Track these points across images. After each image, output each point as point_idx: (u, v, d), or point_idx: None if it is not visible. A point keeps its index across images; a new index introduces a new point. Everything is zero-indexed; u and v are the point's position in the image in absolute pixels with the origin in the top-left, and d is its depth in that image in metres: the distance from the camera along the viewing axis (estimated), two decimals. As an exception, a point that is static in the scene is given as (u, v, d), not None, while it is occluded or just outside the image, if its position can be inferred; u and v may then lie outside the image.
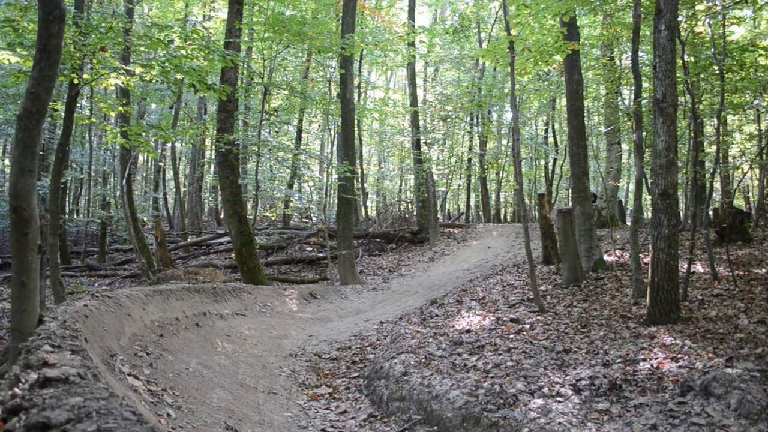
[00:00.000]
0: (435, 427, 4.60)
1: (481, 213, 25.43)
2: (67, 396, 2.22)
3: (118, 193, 19.54)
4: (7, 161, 25.03)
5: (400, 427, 4.76)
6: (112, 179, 23.39)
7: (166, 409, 4.06)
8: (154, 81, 9.76)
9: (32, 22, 7.38)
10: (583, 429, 4.01)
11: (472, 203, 28.74)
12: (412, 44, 20.79)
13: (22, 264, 3.55)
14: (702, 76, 10.40)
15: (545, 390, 4.72)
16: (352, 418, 5.09)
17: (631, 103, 11.03)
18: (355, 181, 15.80)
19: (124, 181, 14.88)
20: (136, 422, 1.97)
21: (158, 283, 11.15)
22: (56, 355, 2.75)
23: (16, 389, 2.33)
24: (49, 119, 16.95)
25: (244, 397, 5.04)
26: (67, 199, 21.74)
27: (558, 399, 4.54)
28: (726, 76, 9.20)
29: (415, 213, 20.42)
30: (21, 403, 2.19)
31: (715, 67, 9.19)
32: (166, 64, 8.99)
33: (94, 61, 8.87)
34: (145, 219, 22.89)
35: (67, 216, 20.13)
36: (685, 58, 8.66)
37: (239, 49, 12.73)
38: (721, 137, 10.85)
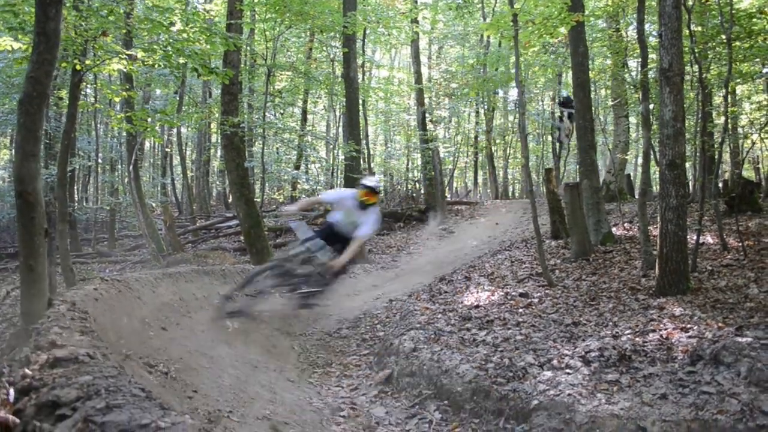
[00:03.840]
0: (445, 402, 4.62)
1: (488, 190, 25.35)
2: (76, 375, 2.24)
3: (126, 179, 19.59)
4: (14, 152, 25.03)
5: (411, 402, 4.79)
6: (119, 166, 23.42)
7: (180, 389, 4.09)
8: (156, 65, 9.75)
9: (32, 7, 7.35)
10: (593, 400, 4.02)
11: (480, 180, 28.64)
12: (415, 21, 20.58)
13: (30, 248, 3.58)
14: (709, 44, 10.25)
15: (554, 362, 4.73)
16: (363, 394, 5.12)
17: (638, 76, 10.90)
18: (361, 161, 15.77)
19: (131, 168, 14.90)
20: (145, 398, 1.99)
21: (168, 268, 11.21)
22: (65, 336, 2.78)
23: (26, 370, 2.35)
24: (55, 107, 16.96)
25: (255, 377, 5.08)
26: (76, 187, 21.79)
27: (567, 371, 4.55)
28: (734, 44, 9.05)
29: (422, 191, 20.38)
30: (31, 383, 2.22)
31: (723, 36, 9.04)
32: (168, 47, 8.96)
33: (96, 46, 8.85)
34: (153, 204, 22.94)
35: (76, 204, 20.22)
36: (692, 26, 8.52)
37: (241, 31, 12.66)
38: (729, 107, 10.71)
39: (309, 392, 5.06)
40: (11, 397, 2.23)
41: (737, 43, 9.46)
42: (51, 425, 1.99)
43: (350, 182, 13.71)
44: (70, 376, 2.28)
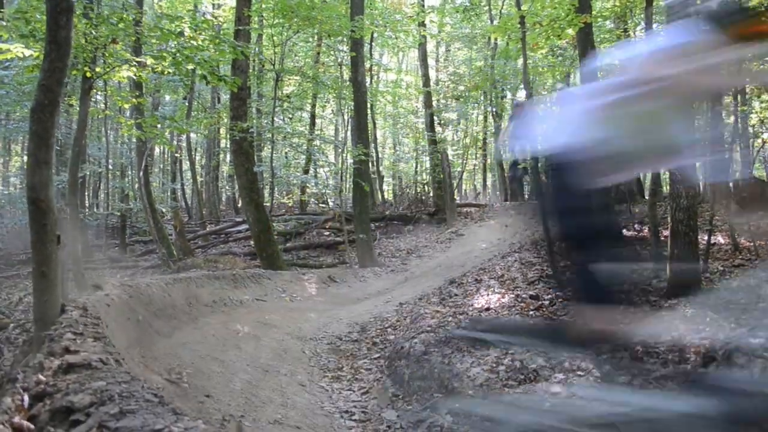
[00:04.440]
0: (457, 405, 4.61)
1: (498, 192, 25.30)
2: (89, 380, 2.26)
3: (136, 185, 19.71)
4: (26, 159, 25.20)
5: (422, 405, 4.78)
6: (129, 172, 23.57)
7: (192, 394, 4.11)
8: (165, 72, 9.82)
9: (44, 15, 7.43)
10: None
11: (489, 183, 28.61)
12: (422, 24, 20.62)
13: (42, 255, 3.61)
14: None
15: (566, 364, 4.71)
16: (375, 398, 5.12)
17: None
18: (370, 165, 15.80)
19: (141, 174, 14.98)
20: (158, 404, 2.01)
21: (179, 272, 11.27)
22: (78, 342, 2.81)
23: (40, 376, 2.38)
24: (65, 114, 17.10)
25: (266, 381, 5.10)
26: (86, 193, 21.95)
27: (579, 373, 4.53)
28: (743, 43, 8.99)
29: (431, 194, 20.38)
30: (45, 389, 2.24)
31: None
32: (178, 55, 9.02)
33: (106, 53, 8.92)
34: (163, 210, 23.05)
35: (87, 210, 20.35)
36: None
37: (249, 36, 12.71)
38: (739, 106, 10.64)
39: (320, 396, 5.07)
40: (26, 403, 2.25)
41: (747, 42, 9.40)
42: (65, 431, 2.01)
43: (358, 187, 13.72)
44: (84, 382, 2.30)
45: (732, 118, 10.72)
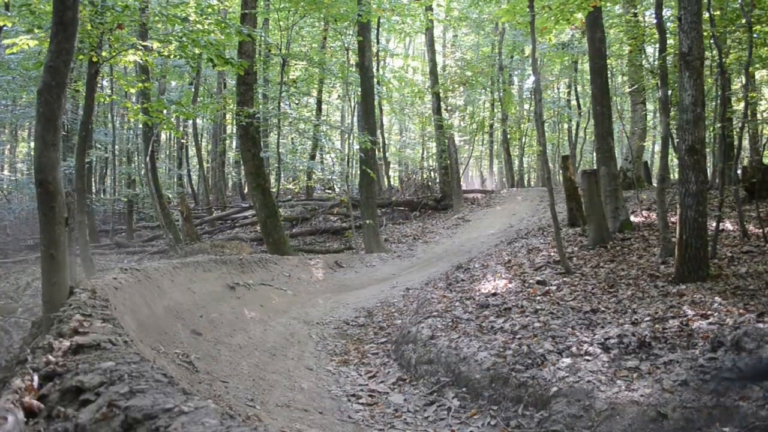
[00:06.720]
0: (464, 389, 4.62)
1: (504, 178, 25.23)
2: (99, 361, 2.26)
3: (142, 171, 19.73)
4: (32, 144, 25.24)
5: (429, 389, 4.79)
6: (136, 158, 23.61)
7: (200, 377, 4.13)
8: (172, 56, 9.80)
9: (48, 4, 7.44)
10: (613, 387, 3.99)
11: (495, 169, 28.53)
12: (429, 8, 20.47)
13: (50, 237, 3.61)
14: (729, 28, 10.08)
15: (573, 349, 4.70)
16: (381, 381, 5.13)
17: (656, 61, 10.76)
18: (376, 151, 15.76)
19: (147, 159, 14.99)
20: (167, 384, 2.01)
21: (186, 258, 11.30)
22: (87, 323, 2.81)
23: (49, 356, 2.38)
24: (72, 100, 17.09)
25: (274, 365, 5.11)
26: (93, 178, 22.00)
27: (586, 358, 4.52)
28: (754, 28, 8.90)
29: (437, 180, 20.33)
30: (55, 369, 2.24)
31: (743, 20, 8.89)
32: (184, 38, 9.00)
33: (112, 38, 8.91)
34: (170, 196, 23.11)
35: (94, 195, 20.42)
36: (711, 10, 8.39)
37: (255, 21, 12.65)
38: (749, 92, 10.55)
39: (327, 380, 5.08)
40: (35, 383, 2.25)
41: (758, 27, 9.30)
42: (75, 410, 2.01)
43: (365, 173, 13.72)
44: (93, 362, 2.30)
45: (741, 105, 10.62)
